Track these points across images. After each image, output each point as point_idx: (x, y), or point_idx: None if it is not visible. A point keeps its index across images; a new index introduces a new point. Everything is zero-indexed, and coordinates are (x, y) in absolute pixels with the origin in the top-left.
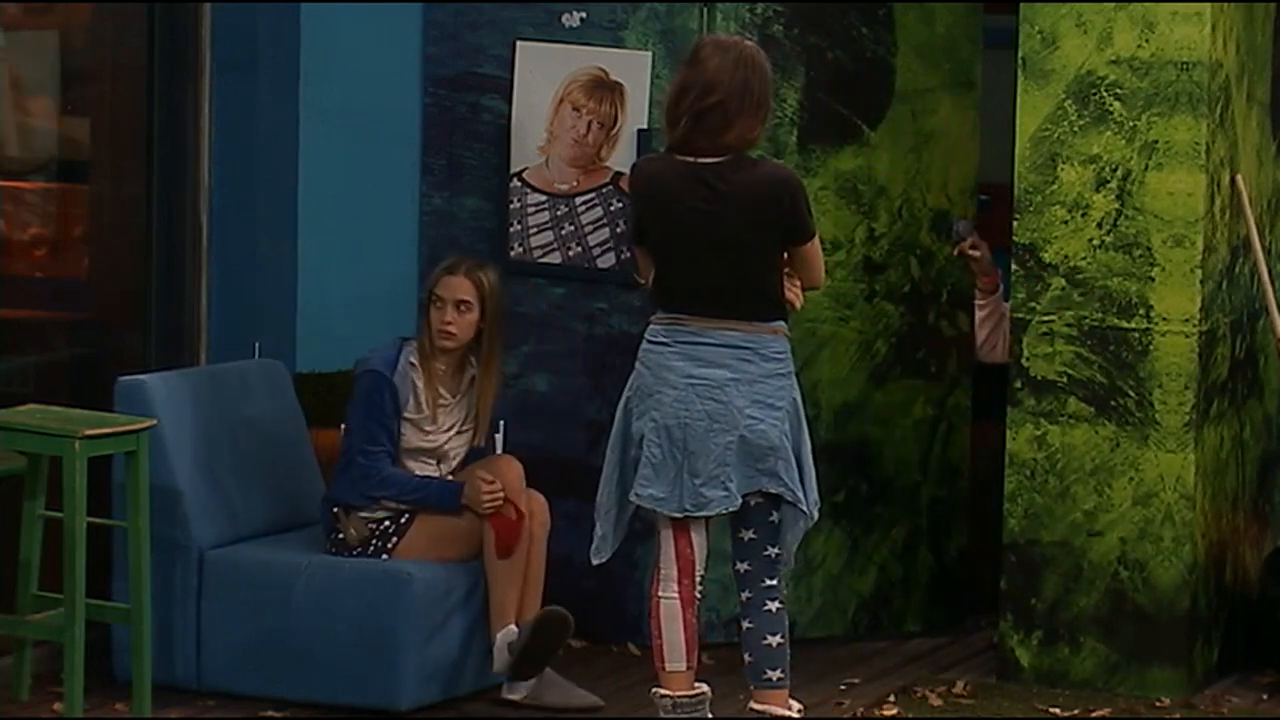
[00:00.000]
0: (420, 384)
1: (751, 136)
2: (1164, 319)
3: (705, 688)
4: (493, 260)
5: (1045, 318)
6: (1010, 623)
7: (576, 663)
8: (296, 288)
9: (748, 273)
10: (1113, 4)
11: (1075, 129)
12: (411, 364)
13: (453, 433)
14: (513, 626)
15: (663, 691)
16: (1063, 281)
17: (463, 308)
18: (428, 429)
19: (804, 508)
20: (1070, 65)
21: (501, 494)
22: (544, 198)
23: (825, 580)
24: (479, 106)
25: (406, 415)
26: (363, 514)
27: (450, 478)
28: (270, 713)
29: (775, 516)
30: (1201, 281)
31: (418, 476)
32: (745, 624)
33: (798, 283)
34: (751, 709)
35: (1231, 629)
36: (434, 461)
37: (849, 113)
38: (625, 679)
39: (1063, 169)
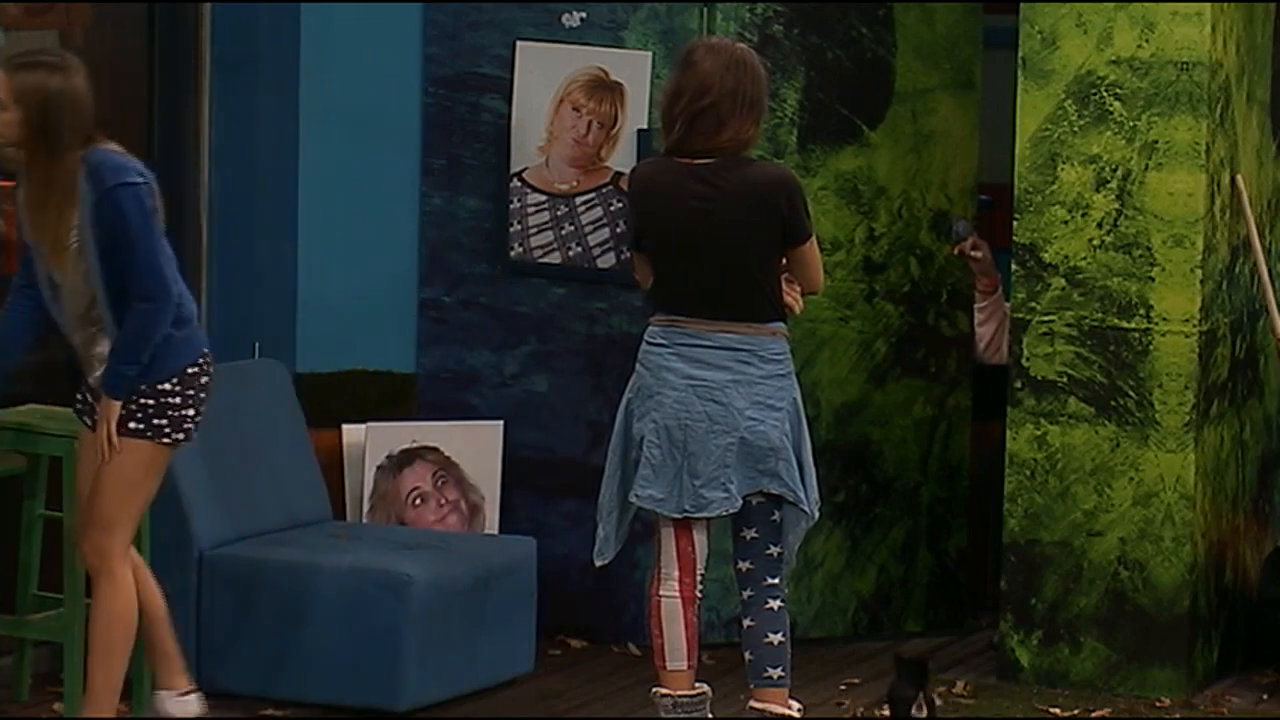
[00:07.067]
0: None
1: (746, 137)
2: (1164, 319)
3: (706, 687)
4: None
5: (1045, 318)
6: (1010, 623)
7: (576, 663)
8: (296, 288)
9: (745, 273)
10: (1113, 4)
11: (1075, 129)
12: None
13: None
14: None
15: (663, 691)
16: (1063, 281)
17: None
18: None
19: (805, 507)
20: (1070, 65)
21: None
22: (544, 198)
23: (825, 580)
24: (479, 106)
25: None
26: None
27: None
28: (270, 712)
29: (777, 515)
30: (1201, 281)
31: None
32: (746, 622)
33: (797, 287)
34: (751, 707)
35: (1231, 629)
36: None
37: (849, 113)
38: (625, 679)
39: (1063, 169)
